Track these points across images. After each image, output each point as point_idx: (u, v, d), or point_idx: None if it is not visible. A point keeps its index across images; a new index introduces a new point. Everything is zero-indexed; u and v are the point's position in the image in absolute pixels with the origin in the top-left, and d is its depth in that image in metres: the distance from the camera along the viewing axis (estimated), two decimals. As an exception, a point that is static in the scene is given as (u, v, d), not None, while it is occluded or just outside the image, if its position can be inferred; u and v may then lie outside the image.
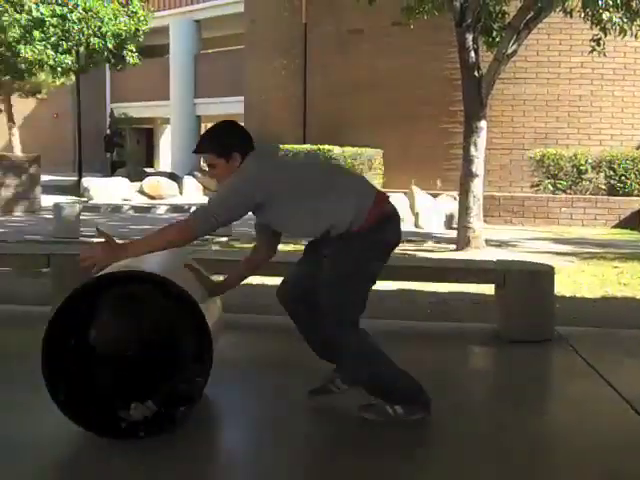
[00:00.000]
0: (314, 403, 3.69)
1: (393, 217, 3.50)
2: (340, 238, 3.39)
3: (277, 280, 3.83)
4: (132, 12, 20.90)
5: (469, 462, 3.07)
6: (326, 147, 16.73)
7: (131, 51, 21.02)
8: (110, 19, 19.83)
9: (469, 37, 10.27)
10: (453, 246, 10.80)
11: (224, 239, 11.05)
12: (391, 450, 3.16)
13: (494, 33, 10.91)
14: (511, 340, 4.96)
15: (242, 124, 3.65)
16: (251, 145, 3.48)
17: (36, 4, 18.39)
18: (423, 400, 3.45)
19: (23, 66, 20.03)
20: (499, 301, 5.26)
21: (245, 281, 3.86)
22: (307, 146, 17.44)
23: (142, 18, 21.20)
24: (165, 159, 34.41)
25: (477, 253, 10.02)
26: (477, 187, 10.54)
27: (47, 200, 16.62)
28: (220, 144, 3.43)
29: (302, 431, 3.44)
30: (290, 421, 3.52)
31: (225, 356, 3.76)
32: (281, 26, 20.71)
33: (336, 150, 16.67)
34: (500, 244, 11.42)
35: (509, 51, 10.27)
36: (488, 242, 10.97)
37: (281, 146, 16.86)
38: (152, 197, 20.96)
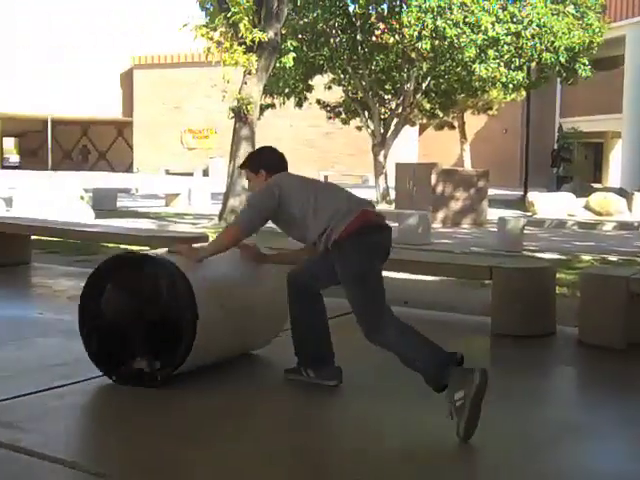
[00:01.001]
0: None
1: (376, 226, 4.07)
2: (334, 249, 3.93)
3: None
4: (587, 24, 20.49)
5: None
6: None
7: (584, 64, 20.62)
8: (564, 33, 19.66)
9: None
10: None
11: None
12: None
13: None
14: None
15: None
16: (280, 168, 4.31)
17: (492, 24, 18.96)
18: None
19: (477, 84, 20.83)
20: None
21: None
22: None
23: (597, 30, 20.67)
24: (614, 174, 33.13)
25: None
26: None
27: (493, 214, 17.02)
28: (253, 161, 4.38)
29: None
30: None
31: None
32: None
33: None
34: None
35: None
36: None
37: None
38: (598, 213, 20.27)
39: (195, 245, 4.45)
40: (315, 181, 4.44)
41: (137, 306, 4.03)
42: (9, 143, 60.63)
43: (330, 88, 22.87)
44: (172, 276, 3.98)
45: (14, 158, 60.26)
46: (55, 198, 14.04)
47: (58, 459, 3.04)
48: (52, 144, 42.95)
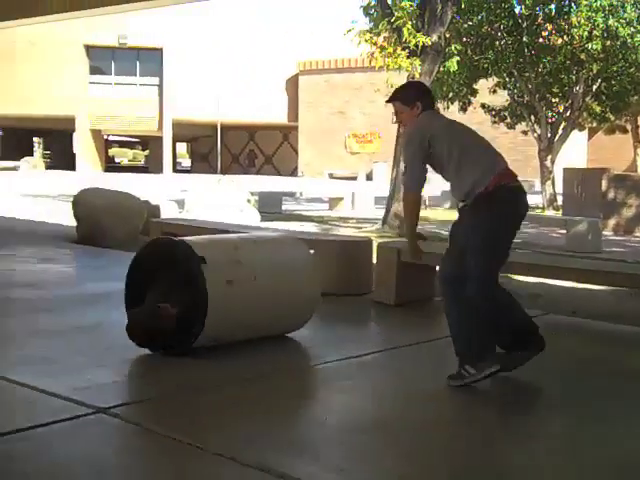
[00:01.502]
0: None
1: (515, 189, 4.12)
2: (475, 203, 4.03)
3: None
4: None
5: None
6: None
7: None
8: None
9: None
10: None
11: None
12: None
13: None
14: None
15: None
16: (431, 104, 4.37)
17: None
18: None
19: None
20: None
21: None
22: None
23: None
24: None
25: None
26: None
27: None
28: (407, 94, 4.39)
29: None
30: None
31: None
32: None
33: None
34: None
35: None
36: None
37: None
38: None
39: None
40: (462, 129, 4.38)
41: (163, 286, 4.50)
42: (182, 148, 63.59)
43: (495, 92, 22.48)
44: (188, 258, 4.47)
45: (186, 162, 63.12)
46: (223, 201, 14.58)
47: (224, 455, 3.16)
48: (221, 148, 44.62)
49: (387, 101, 4.50)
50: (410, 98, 4.35)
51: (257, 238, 5.63)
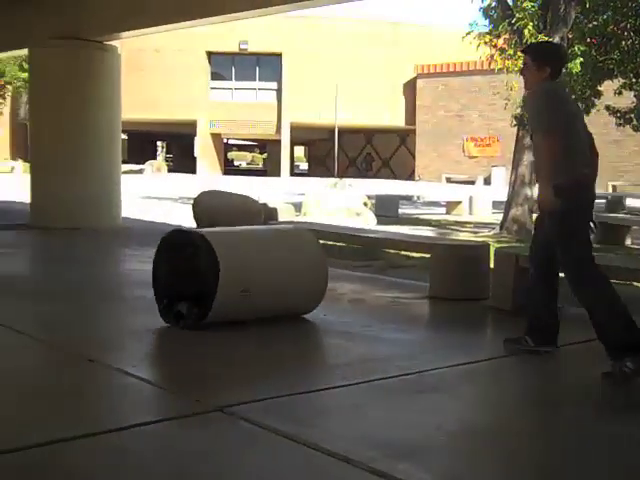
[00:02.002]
0: None
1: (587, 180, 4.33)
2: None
3: None
4: None
5: None
6: None
7: None
8: None
9: None
10: None
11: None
12: None
13: None
14: None
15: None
16: (560, 73, 4.48)
17: None
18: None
19: None
20: None
21: None
22: None
23: None
24: None
25: None
26: None
27: None
28: (542, 52, 4.46)
29: None
30: None
31: None
32: None
33: None
34: None
35: None
36: None
37: None
38: None
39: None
40: (579, 115, 4.61)
41: (180, 268, 5.27)
42: (299, 151, 64.37)
43: (620, 93, 21.67)
44: (201, 245, 5.17)
45: (303, 165, 63.84)
46: (340, 204, 14.65)
47: (337, 454, 3.16)
48: (338, 152, 44.87)
49: (521, 50, 4.84)
50: (546, 58, 4.39)
51: (268, 229, 6.71)
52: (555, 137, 4.23)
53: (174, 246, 5.43)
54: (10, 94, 44.68)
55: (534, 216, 5.84)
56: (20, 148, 43.26)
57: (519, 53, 13.79)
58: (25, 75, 33.94)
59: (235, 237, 5.70)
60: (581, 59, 17.08)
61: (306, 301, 5.68)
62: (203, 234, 5.33)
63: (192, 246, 5.28)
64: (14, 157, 45.21)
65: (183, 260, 5.30)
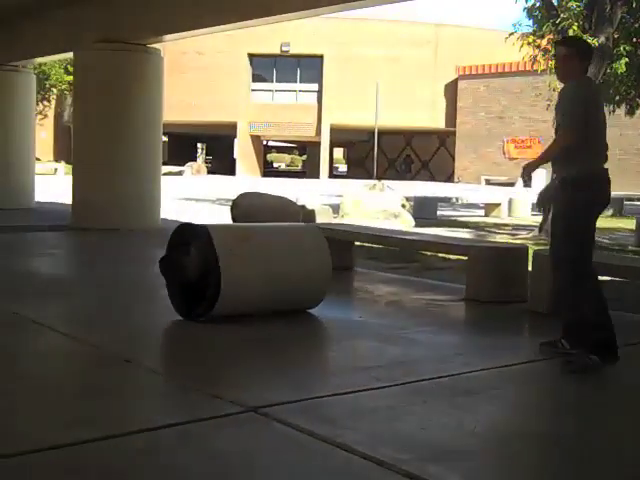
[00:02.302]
0: None
1: (601, 178, 4.35)
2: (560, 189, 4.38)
3: None
4: None
5: None
6: None
7: None
8: None
9: None
10: None
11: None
12: None
13: None
14: None
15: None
16: (585, 71, 4.56)
17: None
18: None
19: None
20: None
21: None
22: None
23: None
24: None
25: None
26: None
27: None
28: (584, 47, 4.65)
29: None
30: None
31: None
32: None
33: None
34: None
35: None
36: None
37: None
38: None
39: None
40: (601, 109, 4.63)
41: (189, 265, 5.45)
42: (339, 153, 64.41)
43: (666, 94, 21.33)
44: (203, 243, 5.40)
45: (342, 167, 63.87)
46: (378, 206, 14.61)
47: (369, 456, 3.15)
48: (377, 153, 44.80)
49: (561, 42, 4.85)
50: (583, 51, 4.57)
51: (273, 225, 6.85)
52: (574, 133, 4.32)
53: (182, 241, 5.66)
54: (55, 97, 45.38)
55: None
56: (63, 150, 43.91)
57: (555, 44, 13.63)
58: (70, 78, 34.47)
59: (240, 231, 6.03)
60: (626, 59, 16.85)
61: (310, 296, 5.88)
62: (207, 228, 5.56)
63: (196, 240, 5.52)
64: (57, 159, 45.90)
65: (189, 254, 5.50)
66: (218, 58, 43.74)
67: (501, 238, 13.58)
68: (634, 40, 19.52)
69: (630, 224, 16.03)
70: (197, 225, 5.73)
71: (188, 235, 5.65)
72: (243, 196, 11.74)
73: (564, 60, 4.55)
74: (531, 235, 14.04)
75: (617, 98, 20.92)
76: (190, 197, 22.36)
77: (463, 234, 13.69)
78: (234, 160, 47.79)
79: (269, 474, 3.04)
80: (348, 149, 58.93)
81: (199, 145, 60.79)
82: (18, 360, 4.58)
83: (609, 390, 4.40)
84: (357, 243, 8.88)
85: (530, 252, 6.84)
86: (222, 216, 13.58)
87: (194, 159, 54.49)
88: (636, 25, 19.38)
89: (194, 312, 5.45)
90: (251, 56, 44.92)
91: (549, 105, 14.42)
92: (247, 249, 5.59)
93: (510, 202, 20.19)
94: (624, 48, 17.89)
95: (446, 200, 20.70)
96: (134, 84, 12.25)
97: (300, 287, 5.78)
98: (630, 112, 21.61)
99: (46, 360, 4.65)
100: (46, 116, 44.14)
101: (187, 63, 43.47)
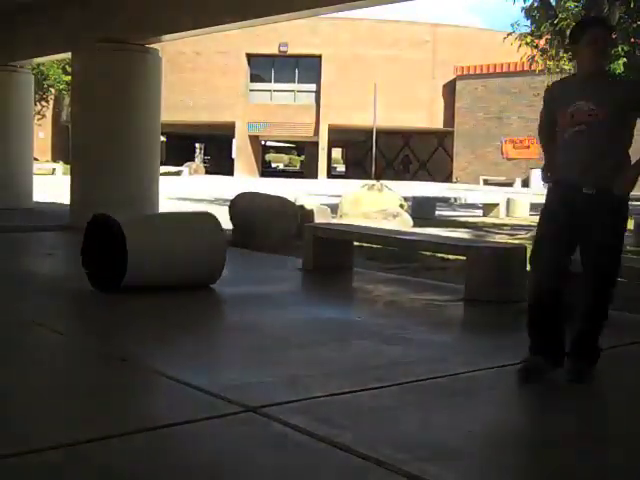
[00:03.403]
0: None
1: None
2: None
3: None
4: None
5: None
6: None
7: None
8: None
9: None
10: None
11: None
12: None
13: None
14: None
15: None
16: None
17: None
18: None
19: None
20: None
21: None
22: None
23: None
24: None
25: None
26: None
27: None
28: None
29: None
30: None
31: None
32: None
33: None
34: None
35: None
36: None
37: None
38: None
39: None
40: None
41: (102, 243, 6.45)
42: (337, 153, 64.36)
43: (664, 94, 21.34)
44: (115, 228, 6.37)
45: (340, 167, 63.83)
46: (376, 206, 14.61)
47: (368, 456, 3.15)
48: (376, 154, 44.81)
49: (592, 23, 4.51)
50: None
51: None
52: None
53: (98, 226, 6.60)
54: (52, 97, 45.34)
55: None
56: (61, 150, 43.88)
57: (563, 56, 13.65)
58: (68, 78, 34.42)
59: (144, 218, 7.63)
60: (624, 59, 16.86)
61: (207, 273, 6.81)
62: (114, 217, 6.50)
63: (108, 226, 6.47)
64: (55, 159, 45.87)
65: (103, 237, 6.48)
66: (216, 58, 43.75)
67: (500, 238, 13.58)
68: (632, 40, 19.55)
69: (629, 224, 16.02)
70: (109, 215, 6.59)
71: (103, 222, 6.57)
72: (241, 196, 11.73)
73: (606, 42, 4.25)
74: (529, 235, 14.03)
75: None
76: (188, 197, 22.35)
77: (462, 234, 13.69)
78: (232, 160, 47.80)
79: (267, 475, 3.04)
80: (346, 149, 58.94)
81: (197, 145, 60.74)
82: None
83: (609, 390, 4.40)
84: (356, 243, 8.88)
85: (528, 252, 6.84)
86: (220, 216, 13.54)
87: (192, 159, 54.46)
88: (634, 25, 19.41)
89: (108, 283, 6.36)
90: (249, 56, 44.92)
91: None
92: (150, 229, 6.79)
93: (508, 202, 20.20)
94: (622, 48, 17.91)
95: (444, 200, 20.71)
96: (132, 84, 12.23)
97: (198, 263, 6.73)
98: (628, 112, 21.64)
99: (40, 359, 4.65)
100: (44, 116, 44.07)
101: (185, 63, 43.46)
